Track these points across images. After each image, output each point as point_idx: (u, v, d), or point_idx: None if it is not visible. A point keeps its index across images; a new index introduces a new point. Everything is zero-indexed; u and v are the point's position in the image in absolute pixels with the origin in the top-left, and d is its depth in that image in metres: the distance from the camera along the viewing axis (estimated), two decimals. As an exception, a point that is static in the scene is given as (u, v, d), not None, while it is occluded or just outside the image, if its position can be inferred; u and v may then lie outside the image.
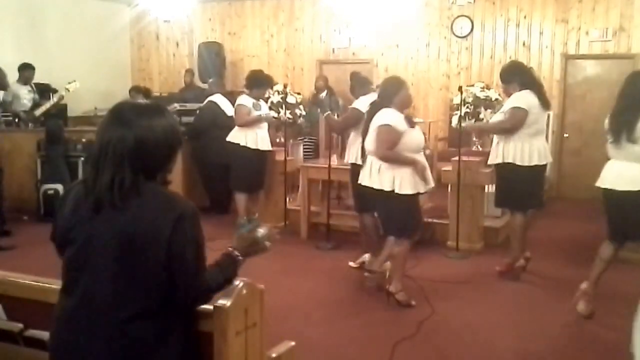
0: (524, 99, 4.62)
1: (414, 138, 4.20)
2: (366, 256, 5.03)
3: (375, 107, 4.27)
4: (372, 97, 4.71)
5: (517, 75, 4.76)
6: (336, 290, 4.75)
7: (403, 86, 4.31)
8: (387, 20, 9.14)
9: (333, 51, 10.01)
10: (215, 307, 1.77)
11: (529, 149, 4.61)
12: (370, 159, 4.20)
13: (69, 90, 7.89)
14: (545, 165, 4.78)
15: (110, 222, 1.68)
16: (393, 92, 4.24)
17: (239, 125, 6.16)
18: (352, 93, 5.44)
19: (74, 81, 7.95)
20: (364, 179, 4.26)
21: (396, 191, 4.08)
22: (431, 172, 4.39)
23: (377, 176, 4.13)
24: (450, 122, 6.88)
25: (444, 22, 9.24)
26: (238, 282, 1.84)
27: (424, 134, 5.48)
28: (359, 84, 5.31)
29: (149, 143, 1.71)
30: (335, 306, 4.43)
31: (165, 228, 1.66)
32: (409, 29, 9.30)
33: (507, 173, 4.73)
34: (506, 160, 4.67)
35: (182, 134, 6.98)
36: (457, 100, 5.80)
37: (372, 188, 4.19)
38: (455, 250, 5.58)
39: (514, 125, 4.61)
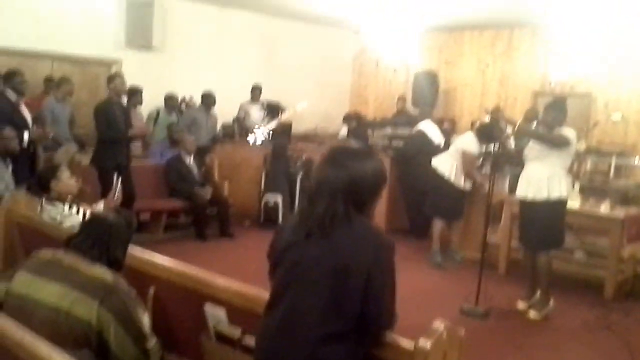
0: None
1: None
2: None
3: None
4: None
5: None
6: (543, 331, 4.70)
7: None
8: (611, 52, 8.57)
9: (550, 83, 9.69)
10: (415, 347, 1.90)
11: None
12: None
13: (297, 110, 8.63)
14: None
15: (319, 247, 1.89)
16: None
17: (465, 173, 6.18)
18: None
19: (304, 102, 8.67)
20: None
21: None
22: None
23: None
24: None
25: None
26: (440, 325, 1.95)
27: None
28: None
29: (361, 181, 1.94)
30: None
31: (367, 256, 1.86)
32: (638, 62, 8.64)
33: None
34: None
35: (391, 158, 7.47)
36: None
37: None
38: None
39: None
